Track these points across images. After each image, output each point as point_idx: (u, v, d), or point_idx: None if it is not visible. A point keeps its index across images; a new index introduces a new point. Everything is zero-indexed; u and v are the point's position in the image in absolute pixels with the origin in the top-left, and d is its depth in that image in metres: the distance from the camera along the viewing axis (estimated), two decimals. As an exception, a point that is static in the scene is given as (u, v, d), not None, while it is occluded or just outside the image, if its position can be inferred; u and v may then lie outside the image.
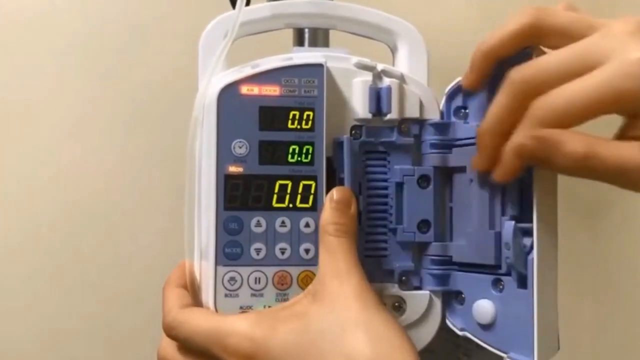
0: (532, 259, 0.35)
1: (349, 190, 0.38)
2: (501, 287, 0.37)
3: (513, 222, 0.36)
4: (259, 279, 0.38)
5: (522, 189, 0.37)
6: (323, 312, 0.34)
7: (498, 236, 0.37)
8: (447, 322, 0.41)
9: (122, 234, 0.78)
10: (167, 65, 0.77)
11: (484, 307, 0.38)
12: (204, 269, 0.38)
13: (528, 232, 0.36)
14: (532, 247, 0.35)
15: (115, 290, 0.77)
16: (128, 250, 0.78)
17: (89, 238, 0.77)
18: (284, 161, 0.38)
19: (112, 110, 0.78)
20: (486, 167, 0.36)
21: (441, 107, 0.42)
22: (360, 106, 0.40)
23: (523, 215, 0.37)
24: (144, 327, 0.75)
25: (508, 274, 0.37)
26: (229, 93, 0.38)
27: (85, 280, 0.77)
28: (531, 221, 0.35)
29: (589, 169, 0.31)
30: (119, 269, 0.78)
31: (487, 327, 0.38)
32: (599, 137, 0.31)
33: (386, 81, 0.41)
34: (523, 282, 0.36)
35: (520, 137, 0.32)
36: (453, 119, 0.41)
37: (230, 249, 0.38)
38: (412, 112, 0.41)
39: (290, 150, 0.39)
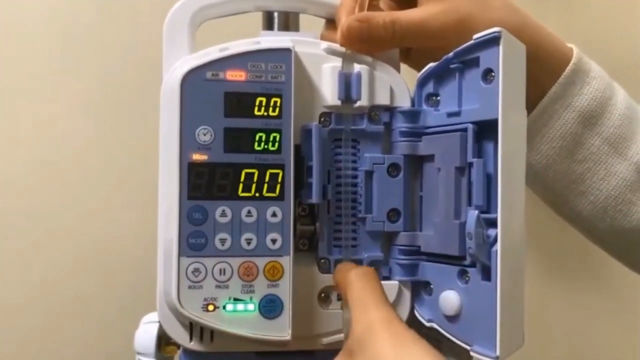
0: (496, 250, 0.34)
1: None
2: (467, 278, 0.37)
3: (476, 212, 0.36)
4: (224, 270, 0.37)
5: (489, 179, 0.37)
6: None
7: (463, 227, 0.37)
8: (415, 312, 0.40)
9: (94, 224, 0.76)
10: (136, 48, 0.75)
11: (449, 299, 0.37)
12: (167, 260, 0.37)
13: (494, 224, 0.35)
14: (496, 239, 0.35)
15: (85, 285, 0.76)
16: (97, 242, 0.76)
17: (58, 229, 0.75)
18: (250, 149, 0.37)
19: (76, 98, 0.75)
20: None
21: (412, 94, 0.41)
22: (329, 92, 0.39)
23: (490, 206, 0.36)
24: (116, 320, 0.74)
25: (473, 265, 0.37)
26: (193, 78, 0.37)
27: (56, 272, 0.75)
28: (497, 212, 0.35)
29: (401, 32, 0.40)
30: (91, 262, 0.76)
31: (452, 318, 0.38)
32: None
33: (356, 67, 0.40)
34: (487, 274, 0.35)
35: (347, 20, 0.40)
36: (424, 106, 0.41)
37: (194, 240, 0.37)
38: (382, 99, 0.40)
39: (257, 137, 0.37)
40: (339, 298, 0.40)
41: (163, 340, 0.45)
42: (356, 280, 0.36)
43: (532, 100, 0.43)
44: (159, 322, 0.40)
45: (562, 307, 0.85)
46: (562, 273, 0.86)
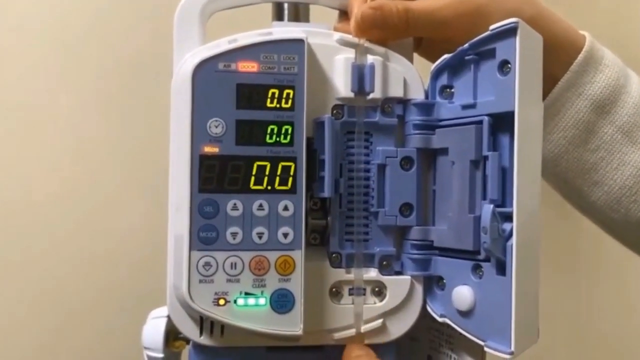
0: (511, 245, 0.34)
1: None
2: (481, 273, 0.37)
3: (491, 206, 0.35)
4: (235, 264, 0.36)
5: (504, 172, 0.36)
6: None
7: (477, 220, 0.36)
8: (428, 308, 0.40)
9: (100, 219, 0.76)
10: (143, 42, 0.74)
11: (463, 294, 0.37)
12: (177, 254, 0.37)
13: (509, 218, 0.35)
14: (511, 233, 0.34)
15: (87, 284, 0.75)
16: (102, 242, 0.75)
17: (60, 230, 0.75)
18: (262, 141, 0.37)
19: (82, 93, 0.75)
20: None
21: (426, 86, 0.40)
22: (342, 84, 0.39)
23: (505, 200, 0.36)
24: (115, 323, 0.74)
25: (487, 259, 0.36)
26: (204, 69, 0.36)
27: (57, 273, 0.75)
28: (512, 206, 0.34)
29: (414, 20, 0.39)
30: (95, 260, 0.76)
31: (466, 314, 0.37)
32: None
33: (369, 59, 0.39)
34: (502, 268, 0.35)
35: (361, 8, 0.39)
36: (438, 98, 0.40)
37: (205, 233, 0.36)
38: (395, 91, 0.40)
39: (269, 130, 0.37)
40: (351, 293, 0.39)
41: (171, 335, 0.44)
42: None
43: (545, 90, 0.42)
44: (168, 316, 0.40)
45: (565, 291, 0.84)
46: (565, 259, 0.85)
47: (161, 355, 0.43)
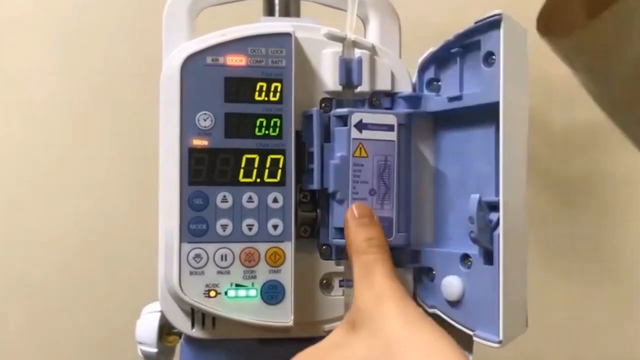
0: (498, 234, 0.34)
1: (365, 206, 0.37)
2: (469, 263, 0.37)
3: (478, 195, 0.35)
4: (226, 255, 0.37)
5: (489, 164, 0.36)
6: (364, 337, 0.32)
7: None
8: (417, 299, 0.40)
9: (96, 216, 0.76)
10: (132, 43, 0.75)
11: (451, 284, 0.37)
12: (168, 247, 0.37)
13: (495, 208, 0.35)
14: (498, 223, 0.34)
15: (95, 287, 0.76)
16: (101, 241, 0.76)
17: (59, 228, 0.75)
18: (251, 134, 0.37)
19: (82, 93, 0.75)
20: None
21: (413, 79, 0.41)
22: (330, 78, 0.39)
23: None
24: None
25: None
26: (193, 63, 0.37)
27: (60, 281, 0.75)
28: (498, 196, 0.35)
29: None
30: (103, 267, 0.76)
31: (455, 304, 0.37)
32: None
33: (357, 52, 0.39)
34: (489, 258, 0.35)
35: None
36: (425, 91, 0.40)
37: (195, 225, 0.37)
38: (383, 84, 0.40)
39: (258, 123, 0.37)
40: (341, 285, 0.40)
41: (164, 330, 0.44)
42: (366, 250, 0.35)
43: None
44: (161, 311, 0.40)
45: (562, 291, 0.85)
46: (562, 259, 0.85)
47: (155, 349, 0.43)
